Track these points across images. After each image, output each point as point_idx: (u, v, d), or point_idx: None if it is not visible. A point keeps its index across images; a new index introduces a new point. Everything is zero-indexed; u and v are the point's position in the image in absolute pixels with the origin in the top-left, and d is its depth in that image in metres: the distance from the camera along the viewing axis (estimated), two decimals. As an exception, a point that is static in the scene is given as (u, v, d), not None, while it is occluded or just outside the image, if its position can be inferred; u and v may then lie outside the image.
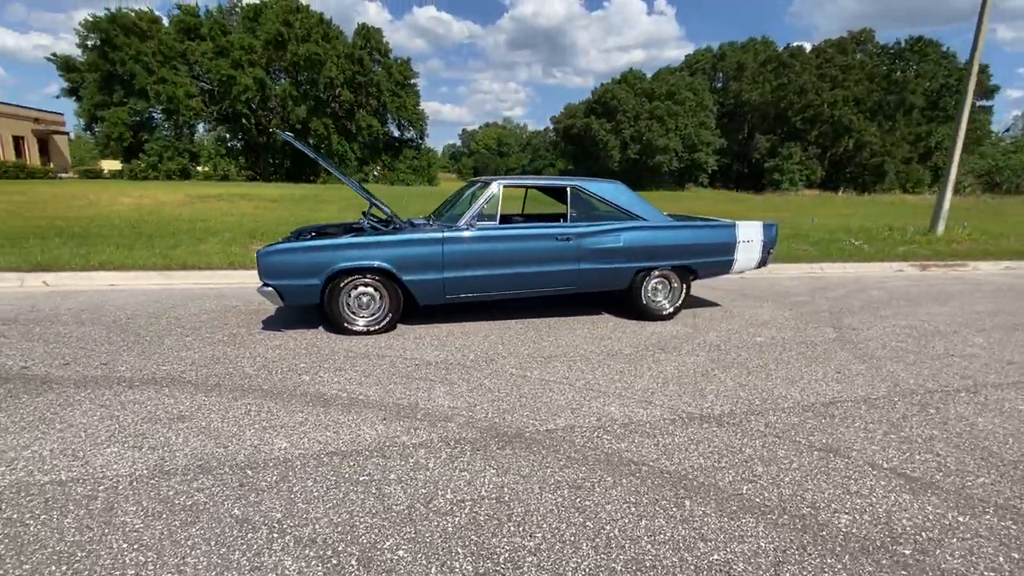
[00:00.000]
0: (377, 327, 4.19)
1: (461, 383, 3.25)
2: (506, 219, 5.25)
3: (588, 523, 1.94)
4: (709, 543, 1.85)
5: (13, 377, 3.18)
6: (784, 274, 7.85)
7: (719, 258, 4.92)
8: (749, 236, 4.97)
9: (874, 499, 2.14)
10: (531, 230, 4.47)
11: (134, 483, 2.11)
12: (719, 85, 55.65)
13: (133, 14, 30.42)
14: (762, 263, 5.12)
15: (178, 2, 32.14)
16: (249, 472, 2.22)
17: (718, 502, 2.09)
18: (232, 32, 32.59)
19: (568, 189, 4.65)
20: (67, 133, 36.45)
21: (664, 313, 4.85)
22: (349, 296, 4.14)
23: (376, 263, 4.04)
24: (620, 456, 2.42)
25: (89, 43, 29.41)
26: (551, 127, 63.64)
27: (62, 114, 34.72)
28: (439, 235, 4.18)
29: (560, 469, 2.30)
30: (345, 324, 4.14)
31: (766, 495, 2.15)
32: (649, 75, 52.82)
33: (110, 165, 32.66)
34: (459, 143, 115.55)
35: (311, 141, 35.26)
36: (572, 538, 1.86)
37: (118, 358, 3.55)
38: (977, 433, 2.75)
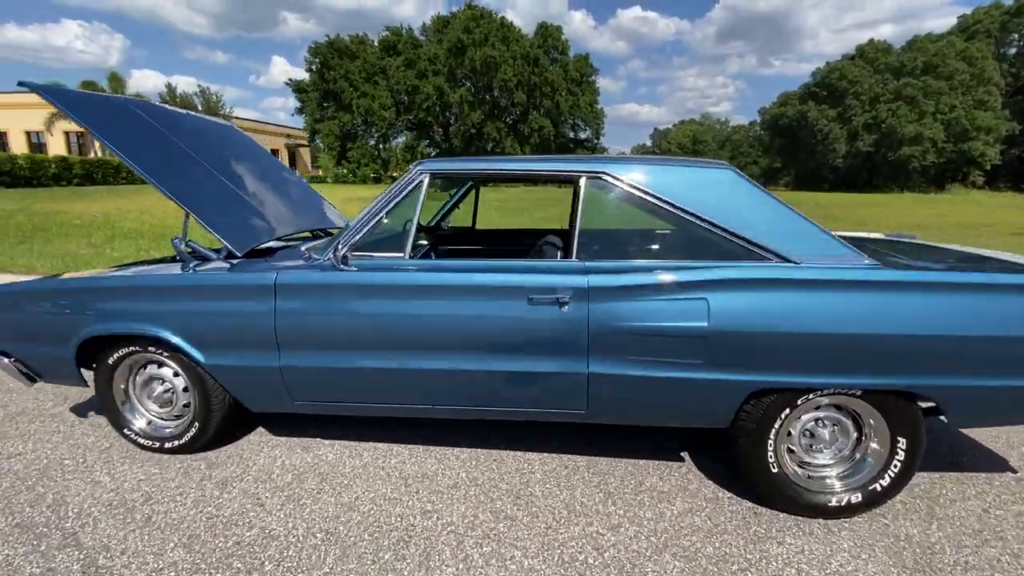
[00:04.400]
0: (177, 443, 2.20)
1: None
2: (443, 240, 2.78)
3: None
4: None
5: None
6: None
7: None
8: None
9: None
10: (474, 276, 1.95)
11: None
12: (1011, 52, 40.62)
13: (347, 38, 34.71)
14: None
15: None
16: None
17: None
18: (423, 45, 34.84)
19: (583, 179, 1.99)
20: (309, 146, 43.98)
21: (831, 504, 1.84)
22: (135, 383, 2.24)
23: (150, 328, 2.04)
24: None
25: (313, 67, 34.51)
26: (758, 120, 54.91)
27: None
28: (269, 277, 1.98)
29: None
30: (124, 430, 2.25)
31: None
32: (900, 47, 41.30)
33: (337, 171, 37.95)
34: (649, 143, 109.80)
35: (488, 146, 35.69)
36: None
37: None
38: None
